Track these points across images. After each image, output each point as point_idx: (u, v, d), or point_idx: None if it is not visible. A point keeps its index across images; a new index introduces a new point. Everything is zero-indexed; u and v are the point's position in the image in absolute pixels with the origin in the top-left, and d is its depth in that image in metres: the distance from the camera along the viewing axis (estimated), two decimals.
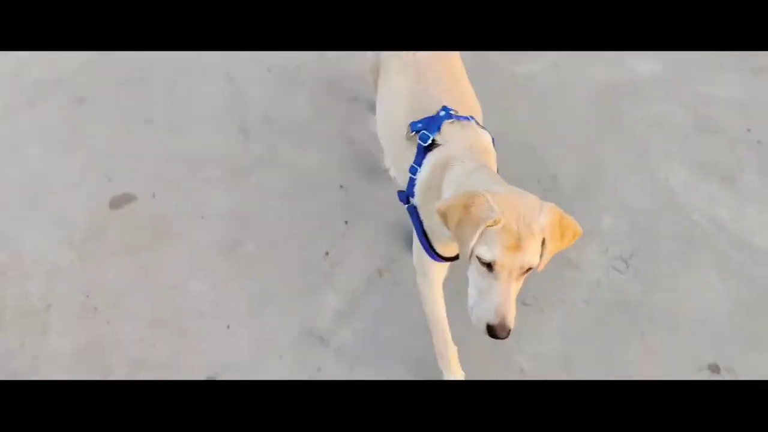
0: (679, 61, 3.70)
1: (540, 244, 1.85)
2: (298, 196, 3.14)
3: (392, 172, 2.50)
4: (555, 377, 2.65)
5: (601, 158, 3.36)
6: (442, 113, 2.17)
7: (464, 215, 1.85)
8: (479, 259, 1.86)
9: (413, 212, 2.23)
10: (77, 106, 3.48)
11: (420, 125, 2.17)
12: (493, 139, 2.28)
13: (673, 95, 3.57)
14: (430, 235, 2.21)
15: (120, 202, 3.13)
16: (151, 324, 2.77)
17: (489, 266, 1.85)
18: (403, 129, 2.24)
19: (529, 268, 1.87)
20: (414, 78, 2.30)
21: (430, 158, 2.15)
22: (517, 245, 1.81)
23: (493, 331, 1.86)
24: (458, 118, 2.18)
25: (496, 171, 2.16)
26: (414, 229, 2.25)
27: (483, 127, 2.28)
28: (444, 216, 1.91)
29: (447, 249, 2.21)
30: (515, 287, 1.88)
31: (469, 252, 1.87)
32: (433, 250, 2.22)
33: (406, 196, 2.25)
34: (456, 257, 2.23)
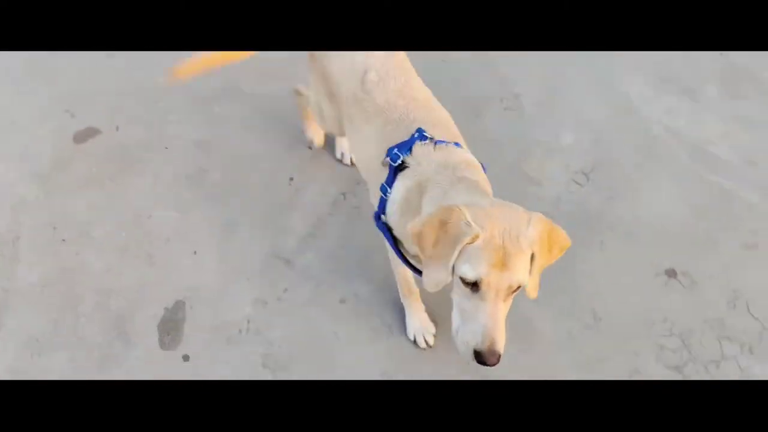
0: None
1: (528, 259, 1.72)
2: (261, 124, 3.16)
3: (371, 196, 2.35)
4: None
5: (563, 76, 3.37)
6: (416, 135, 2.06)
7: (441, 233, 1.72)
8: (463, 279, 1.72)
9: (384, 229, 2.14)
10: None
11: (395, 149, 2.06)
12: (483, 165, 2.15)
13: None
14: (404, 252, 2.15)
15: (84, 136, 3.14)
16: (118, 253, 2.81)
17: (474, 286, 1.72)
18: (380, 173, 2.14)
19: (518, 287, 1.73)
20: (381, 122, 2.17)
21: (401, 180, 2.05)
22: (504, 262, 1.67)
23: (481, 357, 1.72)
24: (436, 141, 2.05)
25: (481, 184, 2.00)
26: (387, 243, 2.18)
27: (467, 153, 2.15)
28: (419, 237, 1.77)
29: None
30: (504, 308, 1.74)
31: (450, 273, 1.74)
32: (409, 263, 2.16)
33: (377, 214, 2.16)
34: None
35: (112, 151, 3.08)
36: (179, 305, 2.69)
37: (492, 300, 1.71)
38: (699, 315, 2.71)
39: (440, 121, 2.20)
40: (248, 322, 2.66)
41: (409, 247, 2.09)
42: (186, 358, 2.59)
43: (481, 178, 2.04)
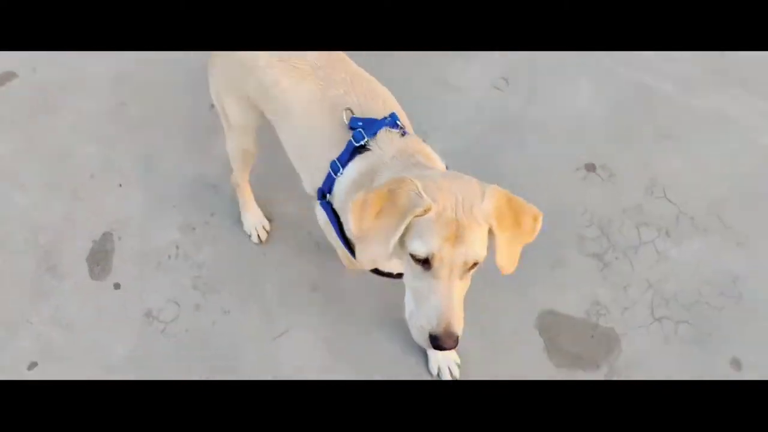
0: None
1: (485, 233, 1.58)
2: (178, 55, 3.14)
3: (306, 185, 2.15)
4: None
5: None
6: (388, 119, 1.89)
7: (387, 204, 1.58)
8: (413, 256, 1.59)
9: (328, 208, 1.95)
10: None
11: (360, 123, 1.88)
12: (447, 167, 1.99)
13: None
14: (351, 237, 1.94)
15: (1, 80, 3.11)
16: (44, 191, 2.83)
17: (426, 263, 1.58)
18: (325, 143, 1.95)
19: (475, 263, 1.59)
20: (322, 83, 1.97)
21: (358, 162, 1.87)
22: (457, 236, 1.54)
23: (437, 342, 1.58)
24: (405, 132, 1.91)
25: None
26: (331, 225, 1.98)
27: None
28: (361, 208, 1.60)
29: (368, 253, 1.82)
30: (460, 287, 1.60)
31: (390, 248, 1.58)
32: (354, 253, 1.94)
33: (322, 191, 1.96)
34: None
35: (32, 93, 3.07)
36: (107, 237, 2.72)
37: (446, 278, 1.57)
38: (618, 205, 2.78)
39: (386, 98, 2.04)
40: (177, 247, 2.70)
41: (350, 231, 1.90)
42: (117, 286, 2.63)
43: (438, 169, 1.88)
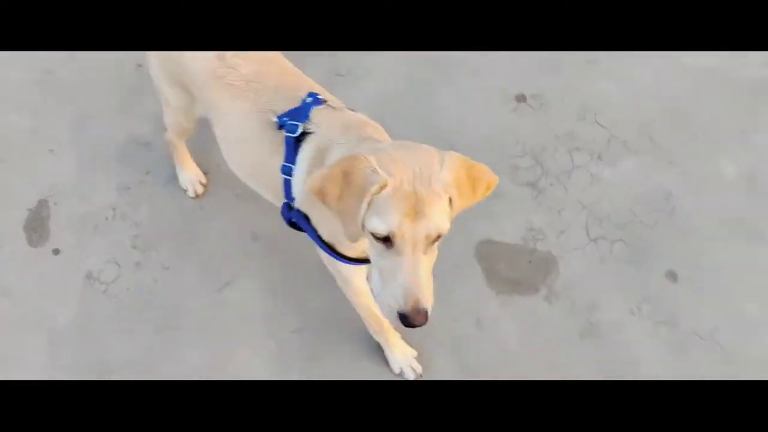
0: None
1: (447, 204, 1.54)
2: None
3: (269, 197, 2.10)
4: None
5: None
6: (309, 99, 1.85)
7: (344, 185, 1.53)
8: (374, 235, 1.54)
9: (300, 218, 1.89)
10: None
11: (286, 118, 1.83)
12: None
13: None
14: (329, 239, 1.89)
15: None
16: None
17: (387, 241, 1.53)
18: (266, 158, 1.91)
19: (438, 236, 1.54)
20: (255, 94, 1.92)
21: (305, 150, 1.81)
22: (417, 210, 1.49)
23: (407, 320, 1.54)
24: (333, 106, 1.88)
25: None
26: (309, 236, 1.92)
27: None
28: (321, 193, 1.58)
29: (354, 247, 1.85)
30: (426, 261, 1.55)
31: (360, 228, 1.56)
32: (340, 255, 1.90)
33: (286, 204, 1.91)
34: None
35: None
36: (42, 204, 2.70)
37: (409, 254, 1.52)
38: (549, 132, 2.81)
39: (317, 88, 1.99)
40: (113, 209, 2.69)
41: (326, 229, 1.88)
42: (56, 251, 2.63)
43: (387, 139, 1.86)
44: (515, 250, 2.59)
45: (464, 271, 2.54)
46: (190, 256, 2.60)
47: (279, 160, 1.85)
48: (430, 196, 1.50)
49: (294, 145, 1.82)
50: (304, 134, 1.81)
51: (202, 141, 2.69)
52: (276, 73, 1.95)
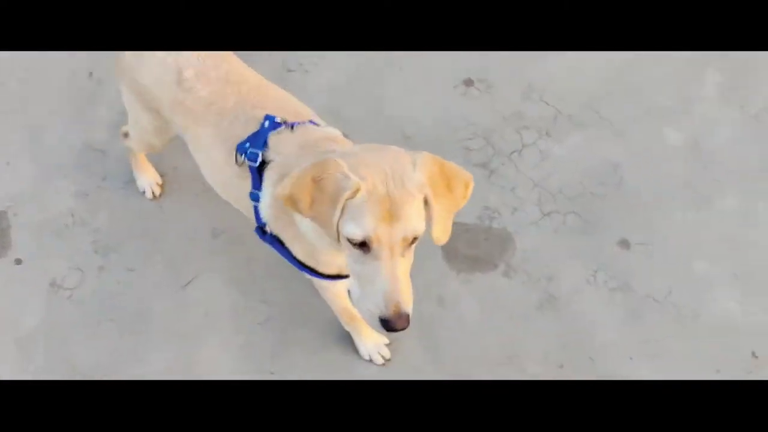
0: None
1: (422, 205, 1.53)
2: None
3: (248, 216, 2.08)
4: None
5: None
6: (266, 124, 1.82)
7: (316, 192, 1.52)
8: (350, 241, 1.53)
9: (274, 242, 1.89)
10: None
11: (247, 144, 1.81)
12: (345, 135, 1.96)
13: None
14: (305, 259, 1.88)
15: None
16: None
17: (364, 246, 1.52)
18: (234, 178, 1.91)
19: (415, 238, 1.54)
20: (215, 118, 1.91)
21: (268, 177, 1.80)
22: (392, 213, 1.48)
23: (389, 325, 1.54)
24: (290, 124, 1.84)
25: None
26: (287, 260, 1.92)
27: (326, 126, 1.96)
28: (291, 200, 1.56)
29: (331, 264, 1.87)
30: (403, 264, 1.55)
31: (335, 235, 1.55)
32: (320, 274, 1.91)
33: (260, 228, 1.91)
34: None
35: None
36: (2, 215, 2.72)
37: (387, 258, 1.51)
38: (498, 114, 2.88)
39: (281, 99, 1.98)
40: (72, 215, 2.71)
41: (300, 249, 1.88)
42: (18, 261, 2.64)
43: (350, 145, 1.85)
44: (472, 229, 2.65)
45: (424, 253, 2.58)
46: (152, 256, 2.63)
47: (247, 185, 1.85)
48: (404, 198, 1.50)
49: (258, 172, 1.82)
50: (265, 162, 1.81)
51: None
52: (235, 93, 1.92)
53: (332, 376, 2.41)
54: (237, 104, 1.89)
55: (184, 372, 2.44)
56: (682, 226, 2.65)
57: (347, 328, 2.40)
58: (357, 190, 1.49)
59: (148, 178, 2.68)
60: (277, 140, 1.81)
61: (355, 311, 2.23)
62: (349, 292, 1.95)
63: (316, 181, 1.52)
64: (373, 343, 2.42)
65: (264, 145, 1.80)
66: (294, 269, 1.98)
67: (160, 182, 2.71)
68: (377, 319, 1.55)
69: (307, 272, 1.90)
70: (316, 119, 1.95)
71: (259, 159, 1.80)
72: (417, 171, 1.53)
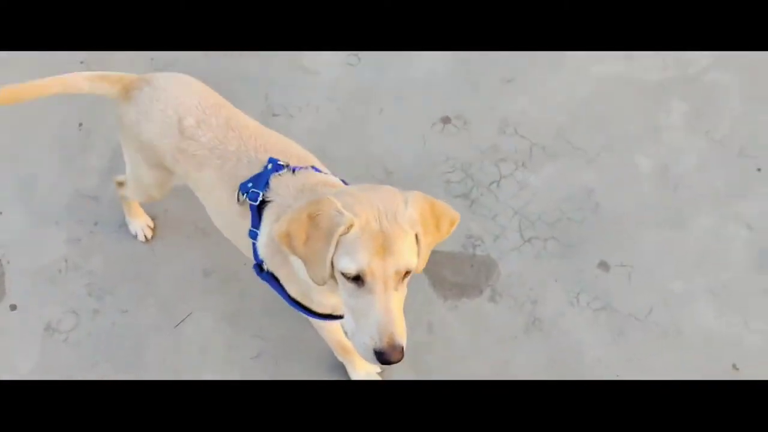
0: None
1: (414, 240, 1.59)
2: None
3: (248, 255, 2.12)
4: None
5: None
6: (269, 166, 1.88)
7: (311, 229, 1.57)
8: (344, 275, 1.57)
9: (270, 280, 1.94)
10: None
11: (250, 184, 1.88)
12: (345, 182, 2.01)
13: None
14: (299, 298, 1.94)
15: None
16: None
17: (358, 280, 1.57)
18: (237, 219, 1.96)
19: (408, 272, 1.59)
20: (218, 161, 1.97)
21: (266, 216, 1.86)
22: (385, 247, 1.53)
23: (383, 356, 1.57)
24: (292, 168, 1.90)
25: None
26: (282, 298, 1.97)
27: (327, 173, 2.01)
28: (287, 237, 1.61)
29: (325, 304, 1.92)
30: (397, 297, 1.58)
31: (328, 271, 1.60)
32: (313, 312, 1.95)
33: (257, 266, 1.96)
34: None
35: None
36: None
37: (381, 291, 1.55)
38: (476, 148, 3.00)
39: (282, 144, 2.04)
40: (66, 260, 2.76)
41: (295, 287, 1.93)
42: (13, 307, 2.68)
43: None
44: (457, 257, 2.74)
45: (412, 282, 2.65)
46: (145, 298, 2.68)
47: (248, 224, 1.90)
48: (397, 233, 1.55)
49: (257, 211, 1.87)
50: (264, 202, 1.86)
51: None
52: (236, 138, 1.98)
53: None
54: (239, 148, 1.96)
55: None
56: (658, 247, 2.76)
57: (340, 359, 2.45)
58: (350, 226, 1.54)
59: (140, 222, 2.75)
60: (278, 182, 1.86)
61: (348, 344, 2.29)
62: (343, 326, 2.03)
63: (312, 218, 1.57)
64: (365, 371, 2.47)
65: (266, 185, 1.86)
66: (285, 304, 2.03)
67: (151, 225, 2.77)
68: (372, 352, 1.58)
69: (301, 311, 1.95)
70: (319, 165, 2.02)
71: (260, 198, 1.85)
72: (409, 208, 1.59)
